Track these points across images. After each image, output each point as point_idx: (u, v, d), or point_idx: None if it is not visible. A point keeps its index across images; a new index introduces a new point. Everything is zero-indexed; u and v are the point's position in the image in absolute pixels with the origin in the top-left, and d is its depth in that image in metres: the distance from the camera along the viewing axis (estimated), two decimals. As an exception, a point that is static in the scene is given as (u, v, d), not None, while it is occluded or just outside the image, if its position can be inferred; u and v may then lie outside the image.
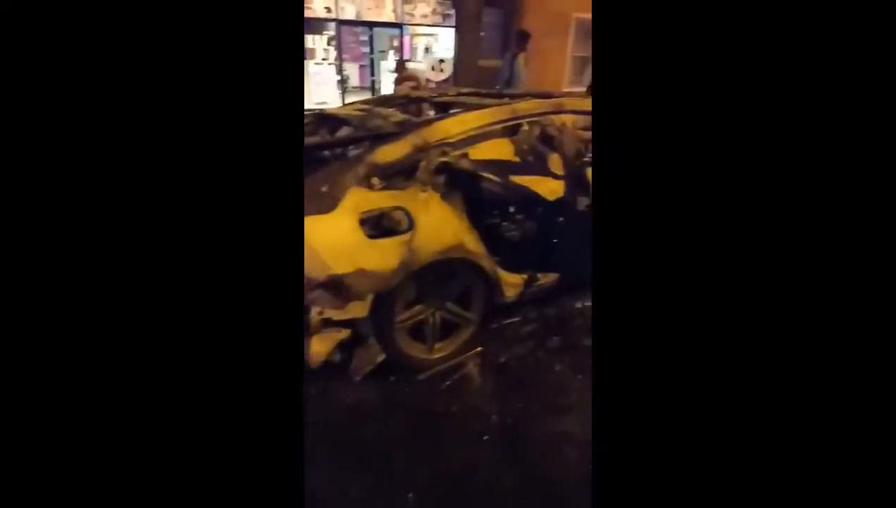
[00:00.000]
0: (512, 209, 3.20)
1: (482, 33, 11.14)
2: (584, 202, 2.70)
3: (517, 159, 3.47)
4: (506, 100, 2.71)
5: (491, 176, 3.00)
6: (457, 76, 11.00)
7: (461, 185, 2.89)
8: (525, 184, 3.14)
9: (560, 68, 12.20)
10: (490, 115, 2.53)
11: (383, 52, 10.83)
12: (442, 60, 10.70)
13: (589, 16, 12.29)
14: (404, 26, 10.03)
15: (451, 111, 2.82)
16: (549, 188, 3.03)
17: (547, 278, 2.82)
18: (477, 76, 11.76)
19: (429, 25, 10.43)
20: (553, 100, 2.78)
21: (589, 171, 2.69)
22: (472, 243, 2.38)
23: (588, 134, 3.58)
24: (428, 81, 10.70)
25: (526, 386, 2.23)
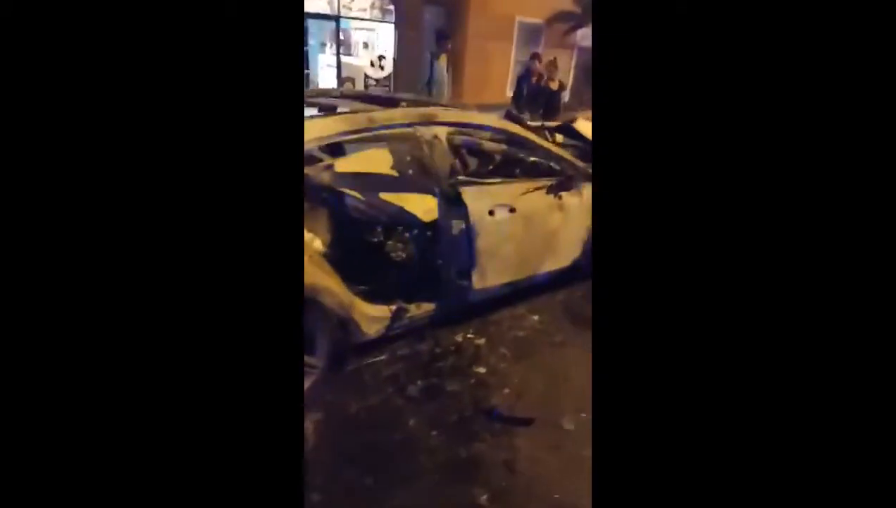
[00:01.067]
0: (401, 228, 2.82)
1: (424, 31, 10.71)
2: (458, 226, 2.32)
3: (394, 173, 3.09)
4: (374, 107, 2.31)
5: (355, 193, 2.59)
6: (397, 74, 10.53)
7: (323, 201, 2.46)
8: (398, 202, 2.77)
9: (503, 73, 11.94)
10: (342, 123, 2.10)
11: (324, 44, 10.23)
12: (382, 57, 10.18)
13: (532, 19, 12.08)
14: (341, 19, 9.45)
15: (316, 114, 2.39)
16: (426, 208, 2.65)
17: (420, 310, 2.44)
18: (419, 74, 11.38)
19: (367, 20, 9.89)
20: (422, 109, 2.38)
21: (465, 191, 2.32)
22: (315, 276, 1.96)
23: (466, 147, 3.23)
24: (367, 77, 10.18)
25: (372, 449, 1.84)
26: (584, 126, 3.43)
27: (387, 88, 10.27)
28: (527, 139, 2.75)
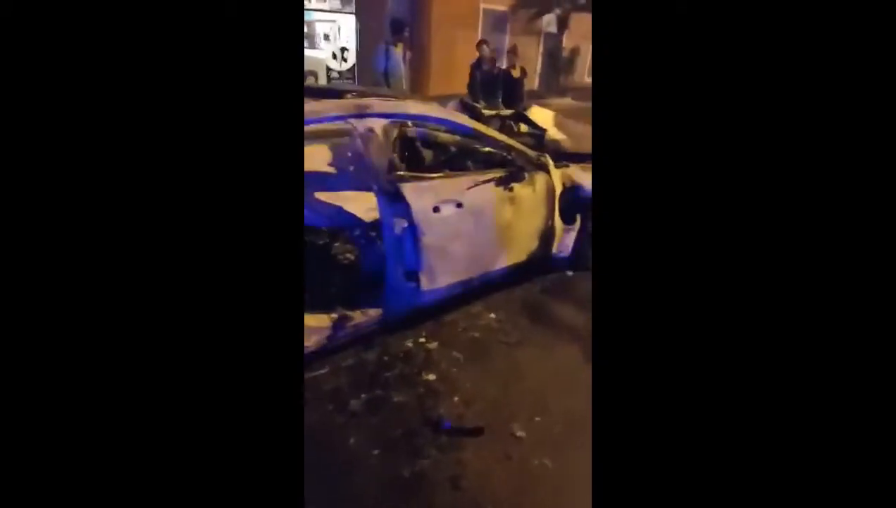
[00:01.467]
0: (339, 230, 2.64)
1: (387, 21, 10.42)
2: (401, 224, 2.16)
3: (332, 170, 2.91)
4: (310, 100, 2.12)
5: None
6: (360, 66, 10.22)
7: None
8: (336, 201, 2.58)
9: (469, 61, 11.70)
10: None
11: (281, 38, 9.86)
12: (344, 49, 9.88)
13: (497, 7, 11.87)
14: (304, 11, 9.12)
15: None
16: (367, 207, 2.47)
17: (366, 316, 2.28)
18: (374, 65, 11.04)
19: (327, 11, 9.56)
20: (356, 101, 2.19)
21: (406, 187, 2.15)
22: None
23: (420, 139, 3.06)
24: (330, 70, 9.87)
25: (309, 471, 1.67)
26: (539, 113, 3.28)
27: (350, 81, 9.98)
28: (475, 130, 2.58)
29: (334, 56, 9.80)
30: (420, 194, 2.20)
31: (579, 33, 11.79)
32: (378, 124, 2.16)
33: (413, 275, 2.28)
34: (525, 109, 3.31)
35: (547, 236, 2.85)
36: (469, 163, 3.03)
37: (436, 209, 2.23)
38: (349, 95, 2.28)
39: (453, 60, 11.01)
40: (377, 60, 5.21)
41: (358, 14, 9.77)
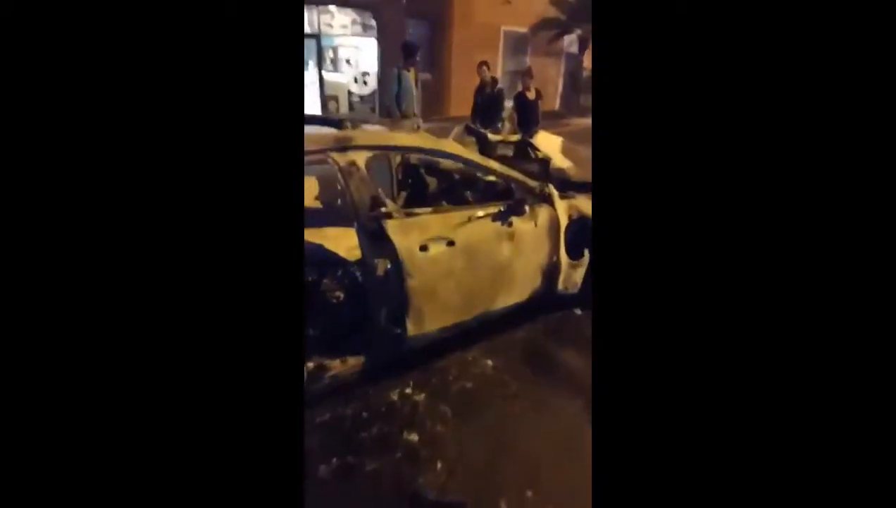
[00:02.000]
0: (340, 271, 2.44)
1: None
2: (384, 265, 1.94)
3: (318, 204, 2.72)
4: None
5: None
6: (381, 90, 10.19)
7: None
8: (317, 239, 2.39)
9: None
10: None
11: (307, 63, 9.93)
12: (365, 73, 9.88)
13: (517, 28, 11.74)
14: (322, 37, 9.16)
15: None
16: (350, 245, 2.27)
17: (346, 365, 2.05)
18: (387, 89, 10.96)
19: (349, 36, 9.59)
20: (339, 133, 1.99)
21: (390, 224, 1.94)
22: None
23: (412, 166, 2.84)
24: (351, 94, 9.88)
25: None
26: (545, 140, 3.03)
27: (371, 106, 9.96)
28: (468, 160, 2.36)
29: (356, 80, 9.80)
30: (405, 232, 1.98)
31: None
32: (361, 157, 1.96)
33: (398, 320, 2.05)
34: (532, 135, 3.07)
35: (551, 272, 2.59)
36: (469, 194, 2.82)
37: (423, 248, 2.00)
38: (347, 125, 2.12)
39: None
40: (389, 86, 5.08)
41: (379, 39, 9.78)
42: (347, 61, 9.79)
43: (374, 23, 9.62)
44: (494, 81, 5.33)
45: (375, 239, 1.93)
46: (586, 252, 2.72)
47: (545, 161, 2.81)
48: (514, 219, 2.32)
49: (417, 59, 5.03)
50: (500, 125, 4.59)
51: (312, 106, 9.51)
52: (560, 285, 2.67)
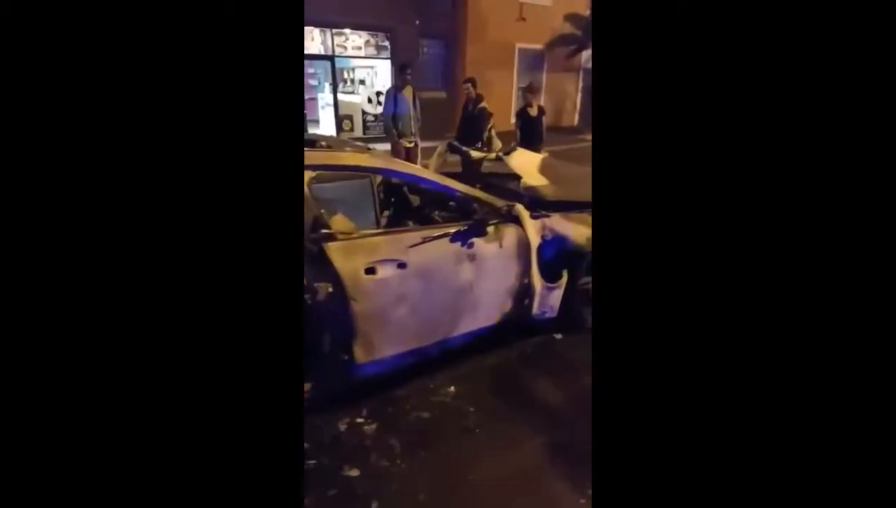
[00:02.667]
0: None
1: (421, 64, 10.45)
2: (325, 289, 1.84)
3: None
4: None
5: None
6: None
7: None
8: None
9: (506, 101, 11.49)
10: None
11: (322, 84, 10.11)
12: (379, 93, 9.95)
13: (533, 45, 11.69)
14: (336, 58, 9.31)
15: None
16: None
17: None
18: (421, 108, 11.00)
19: (363, 57, 9.72)
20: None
21: (331, 247, 1.85)
22: None
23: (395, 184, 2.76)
24: (365, 113, 9.98)
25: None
26: (521, 157, 2.91)
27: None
28: (429, 180, 2.27)
29: (369, 100, 9.90)
30: (349, 254, 1.88)
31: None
32: (306, 178, 1.89)
33: (345, 346, 1.95)
34: (509, 153, 2.95)
35: (523, 295, 2.44)
36: (437, 213, 2.71)
37: (370, 271, 1.90)
38: (321, 144, 2.08)
39: (490, 101, 10.88)
40: (385, 106, 5.06)
41: (393, 59, 9.87)
42: (362, 82, 9.91)
43: (387, 44, 9.73)
44: (479, 98, 5.16)
45: (316, 262, 1.85)
46: (564, 274, 2.57)
47: (515, 179, 2.68)
48: (476, 240, 2.20)
49: (409, 77, 4.98)
50: (480, 144, 4.45)
51: (328, 126, 9.64)
52: (535, 309, 2.52)
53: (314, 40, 8.90)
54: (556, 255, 2.53)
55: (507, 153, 2.95)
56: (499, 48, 11.08)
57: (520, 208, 2.39)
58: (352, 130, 9.61)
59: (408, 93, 4.97)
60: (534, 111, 5.63)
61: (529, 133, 5.62)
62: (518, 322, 2.53)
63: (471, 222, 2.20)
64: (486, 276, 2.26)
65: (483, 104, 4.98)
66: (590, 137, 9.61)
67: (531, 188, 2.55)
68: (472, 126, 5.00)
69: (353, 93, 9.94)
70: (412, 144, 5.07)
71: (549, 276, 2.52)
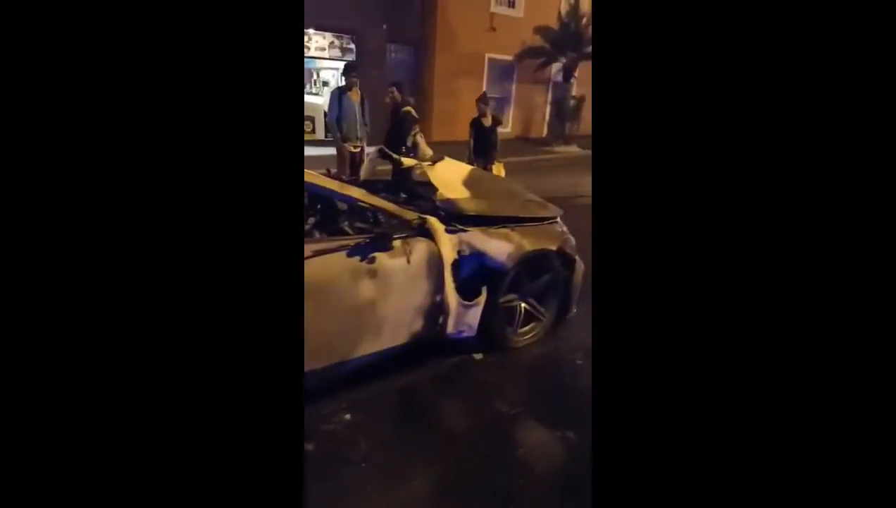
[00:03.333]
0: None
1: (388, 70, 10.30)
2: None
3: None
4: None
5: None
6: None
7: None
8: None
9: (473, 110, 11.37)
10: None
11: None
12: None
13: (503, 56, 11.65)
14: (299, 59, 9.07)
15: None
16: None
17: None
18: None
19: (326, 59, 9.51)
20: None
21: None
22: None
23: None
24: (327, 115, 9.74)
25: None
26: (447, 168, 2.76)
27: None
28: (333, 191, 2.10)
29: (334, 102, 9.69)
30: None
31: (587, 82, 11.39)
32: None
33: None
34: (435, 162, 2.81)
35: (435, 313, 2.29)
36: (349, 225, 2.54)
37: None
38: None
39: (456, 109, 10.75)
40: (329, 108, 4.87)
41: (359, 62, 9.70)
42: (325, 83, 9.69)
43: (353, 46, 9.55)
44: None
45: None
46: (484, 291, 2.42)
47: (431, 191, 2.53)
48: (379, 255, 2.04)
49: (355, 79, 4.81)
50: (404, 149, 4.29)
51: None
52: (451, 328, 2.37)
53: (276, 39, 8.66)
54: (473, 271, 2.38)
55: (434, 163, 2.80)
56: (468, 57, 11.02)
57: (433, 222, 2.24)
58: (313, 131, 9.37)
59: (354, 95, 4.80)
60: (487, 121, 5.53)
61: (483, 144, 5.51)
62: (431, 342, 2.37)
63: (371, 235, 2.04)
64: (391, 293, 2.09)
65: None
66: (557, 149, 9.49)
67: (449, 201, 2.40)
68: (398, 132, 4.77)
69: (317, 94, 9.72)
70: (358, 149, 4.89)
71: (467, 293, 2.37)
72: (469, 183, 2.66)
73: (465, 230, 2.34)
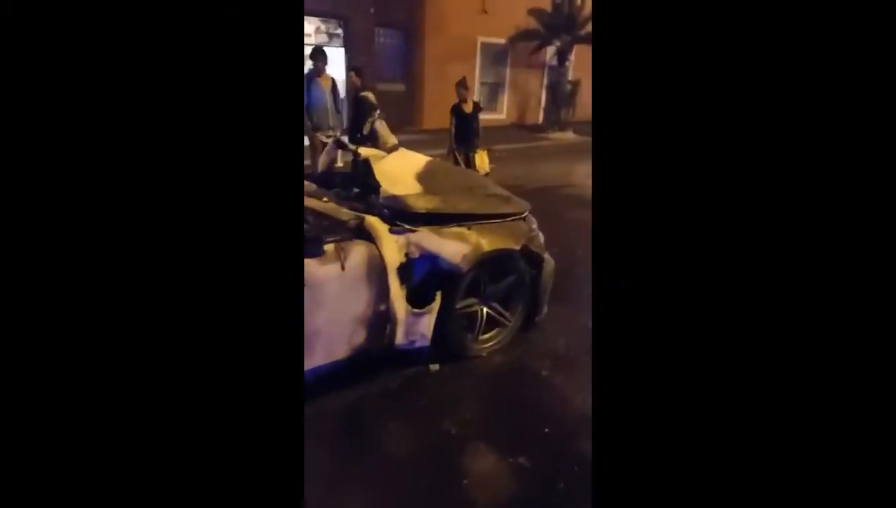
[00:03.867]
0: None
1: (377, 56, 9.97)
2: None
3: None
4: None
5: None
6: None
7: None
8: None
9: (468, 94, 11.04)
10: None
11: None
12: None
13: (496, 39, 11.27)
14: (282, 45, 8.75)
15: None
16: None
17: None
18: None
19: (312, 45, 9.18)
20: None
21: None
22: None
23: None
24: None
25: None
26: (394, 162, 2.51)
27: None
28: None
29: (321, 90, 9.39)
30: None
31: (582, 66, 11.02)
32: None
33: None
34: (390, 152, 2.56)
35: (379, 323, 2.06)
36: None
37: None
38: None
39: (449, 95, 10.42)
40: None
41: (346, 48, 9.38)
42: (312, 70, 9.38)
43: (340, 31, 9.22)
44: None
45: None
46: (438, 296, 2.19)
47: (373, 187, 2.28)
48: (307, 262, 1.80)
49: (322, 64, 4.53)
50: (359, 136, 4.00)
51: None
52: (400, 338, 2.14)
53: (258, 25, 8.34)
54: (424, 276, 2.15)
55: (389, 151, 2.55)
56: (460, 41, 10.65)
57: (372, 222, 2.00)
58: (299, 121, 9.09)
59: (324, 82, 4.53)
60: (468, 107, 5.26)
61: (465, 131, 5.25)
62: (378, 354, 2.15)
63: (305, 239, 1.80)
64: (322, 304, 1.86)
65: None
66: (553, 135, 9.12)
67: (394, 198, 2.16)
68: (357, 118, 4.46)
69: (303, 82, 9.41)
70: (330, 138, 4.64)
71: (418, 300, 2.14)
72: (423, 177, 2.41)
73: (413, 230, 2.10)
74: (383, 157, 2.47)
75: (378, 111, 4.05)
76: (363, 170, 2.71)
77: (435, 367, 2.33)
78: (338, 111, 4.65)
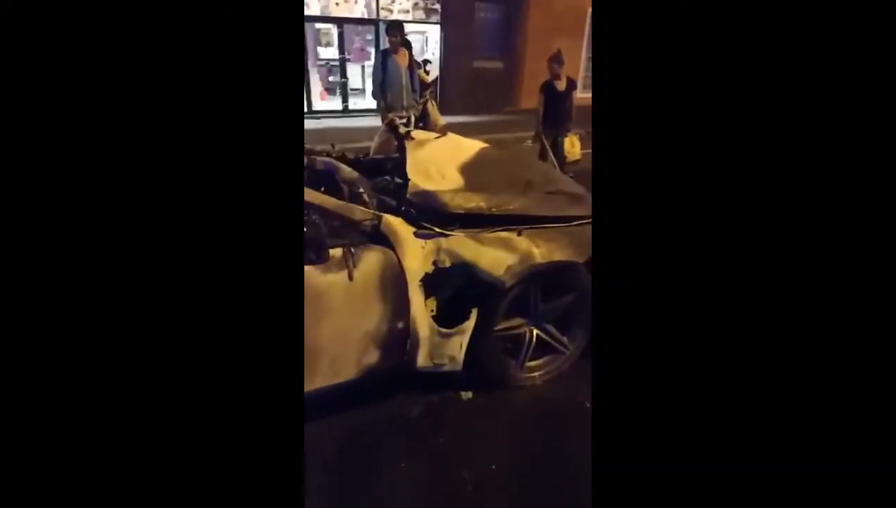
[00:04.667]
0: None
1: (476, 32, 9.49)
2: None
3: None
4: None
5: None
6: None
7: None
8: None
9: (574, 72, 10.17)
10: None
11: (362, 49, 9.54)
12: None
13: (610, 11, 10.20)
14: (380, 22, 8.65)
15: None
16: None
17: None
18: (474, 79, 10.11)
19: (410, 22, 8.97)
20: None
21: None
22: None
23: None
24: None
25: None
26: (434, 149, 2.12)
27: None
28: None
29: (418, 67, 9.20)
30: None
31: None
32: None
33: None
34: (441, 131, 2.18)
35: (396, 341, 1.74)
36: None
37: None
38: None
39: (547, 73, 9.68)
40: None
41: (443, 24, 9.04)
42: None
43: (438, 7, 8.90)
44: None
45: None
46: (474, 314, 1.81)
47: (401, 183, 1.91)
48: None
49: (398, 39, 4.21)
50: (404, 114, 3.54)
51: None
52: (422, 361, 1.81)
53: (357, 2, 8.30)
54: (457, 289, 1.78)
55: (439, 136, 2.18)
56: (567, 12, 9.81)
57: (391, 222, 1.66)
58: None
59: (401, 59, 4.23)
60: (561, 85, 4.67)
61: (555, 111, 4.68)
62: (395, 376, 1.83)
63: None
64: (324, 317, 1.58)
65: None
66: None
67: (425, 194, 1.79)
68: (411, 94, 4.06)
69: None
70: (405, 120, 4.36)
71: (447, 317, 1.78)
72: (468, 168, 2.01)
73: (445, 234, 1.73)
74: (425, 142, 2.10)
75: (430, 90, 3.67)
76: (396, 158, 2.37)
77: (468, 395, 1.97)
78: (413, 90, 4.34)
